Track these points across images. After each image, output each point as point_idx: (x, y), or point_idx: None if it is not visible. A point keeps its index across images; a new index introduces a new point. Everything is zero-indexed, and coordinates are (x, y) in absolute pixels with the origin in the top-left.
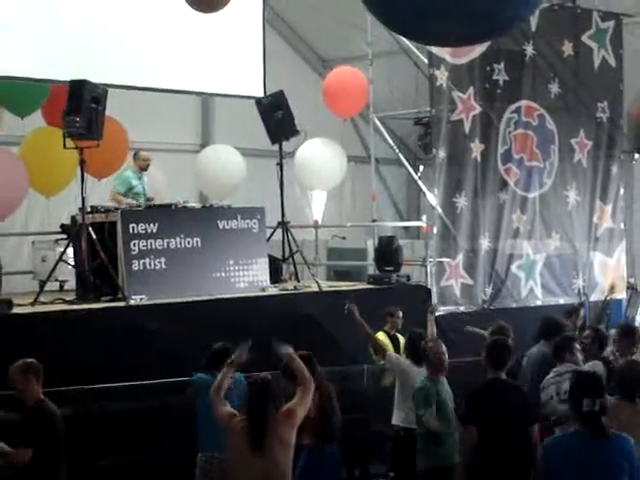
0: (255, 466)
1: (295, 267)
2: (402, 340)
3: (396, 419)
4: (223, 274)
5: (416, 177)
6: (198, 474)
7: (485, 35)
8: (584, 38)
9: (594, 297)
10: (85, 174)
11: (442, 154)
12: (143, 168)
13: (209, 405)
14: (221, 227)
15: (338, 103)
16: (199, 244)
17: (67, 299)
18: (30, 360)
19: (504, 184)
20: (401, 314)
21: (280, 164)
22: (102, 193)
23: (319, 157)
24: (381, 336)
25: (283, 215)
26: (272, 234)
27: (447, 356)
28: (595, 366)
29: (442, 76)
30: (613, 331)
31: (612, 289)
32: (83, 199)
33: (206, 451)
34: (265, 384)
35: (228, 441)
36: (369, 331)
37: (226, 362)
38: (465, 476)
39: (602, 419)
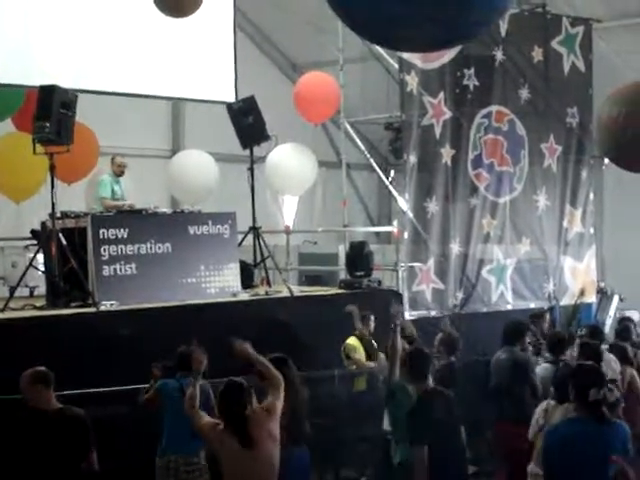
0: (248, 464)
1: (266, 272)
2: (375, 345)
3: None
4: (194, 279)
5: (387, 182)
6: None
7: (452, 40)
8: (554, 43)
9: (564, 301)
10: (55, 179)
11: (413, 159)
12: (117, 174)
13: (174, 410)
14: (192, 232)
15: (309, 108)
16: (170, 249)
17: (37, 305)
18: (39, 369)
19: (474, 189)
20: (372, 318)
21: (251, 169)
22: (72, 198)
23: (290, 162)
24: (352, 341)
25: (254, 220)
26: (243, 239)
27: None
28: (545, 369)
29: (413, 81)
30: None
31: (582, 293)
32: (53, 204)
33: (164, 456)
34: (236, 385)
35: (217, 450)
36: (365, 334)
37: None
38: None
39: (603, 407)
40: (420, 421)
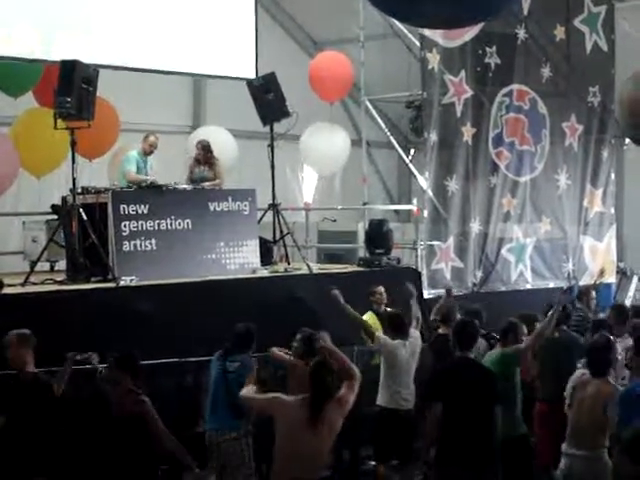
0: (306, 440)
1: (286, 249)
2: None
3: (380, 399)
4: (214, 256)
5: (407, 160)
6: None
7: (475, 17)
8: (576, 22)
9: (583, 281)
10: (76, 155)
11: (433, 137)
12: (147, 152)
13: (215, 388)
14: (212, 209)
15: (323, 87)
16: (190, 225)
17: (57, 280)
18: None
19: (495, 168)
20: (382, 289)
21: (271, 146)
22: (93, 174)
23: (325, 141)
24: (369, 316)
25: (274, 197)
26: (263, 216)
27: None
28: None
29: (434, 59)
30: (602, 315)
31: (602, 273)
32: (74, 180)
33: (208, 432)
34: (328, 365)
35: (279, 419)
36: (356, 315)
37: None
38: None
39: None
40: (444, 381)
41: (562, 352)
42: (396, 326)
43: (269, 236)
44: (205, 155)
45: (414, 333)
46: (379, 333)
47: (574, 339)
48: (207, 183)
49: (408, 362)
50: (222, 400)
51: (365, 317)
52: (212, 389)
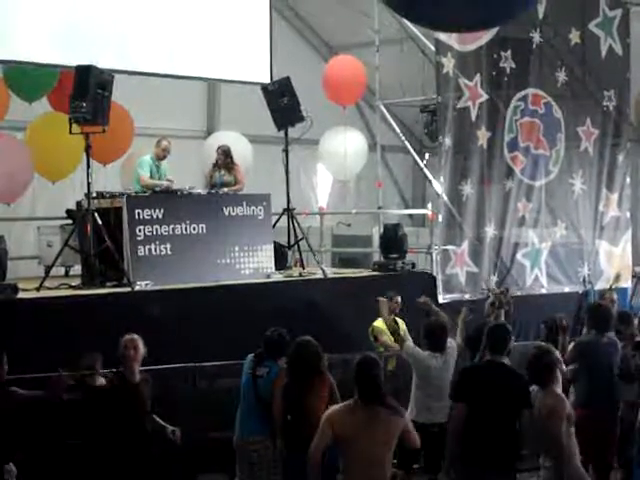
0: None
1: (300, 254)
2: (402, 324)
3: (409, 412)
4: (228, 260)
5: (422, 165)
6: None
7: (492, 21)
8: (591, 26)
9: (599, 286)
10: (91, 159)
11: (448, 142)
12: (160, 157)
13: (246, 392)
14: (226, 213)
15: (337, 92)
16: (204, 230)
17: (72, 285)
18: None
19: (510, 172)
20: (399, 299)
21: (286, 150)
22: (108, 179)
23: (345, 145)
24: (380, 323)
25: (289, 202)
26: (277, 221)
27: None
28: None
29: (449, 63)
30: None
31: (617, 278)
32: (89, 184)
33: (240, 434)
34: (375, 362)
35: (338, 426)
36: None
37: None
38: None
39: None
40: (469, 382)
41: (599, 357)
42: (434, 339)
43: (284, 241)
44: (225, 160)
45: (450, 342)
46: (409, 342)
47: (614, 343)
48: (227, 188)
49: (440, 373)
50: (252, 405)
51: (377, 323)
52: (242, 394)
